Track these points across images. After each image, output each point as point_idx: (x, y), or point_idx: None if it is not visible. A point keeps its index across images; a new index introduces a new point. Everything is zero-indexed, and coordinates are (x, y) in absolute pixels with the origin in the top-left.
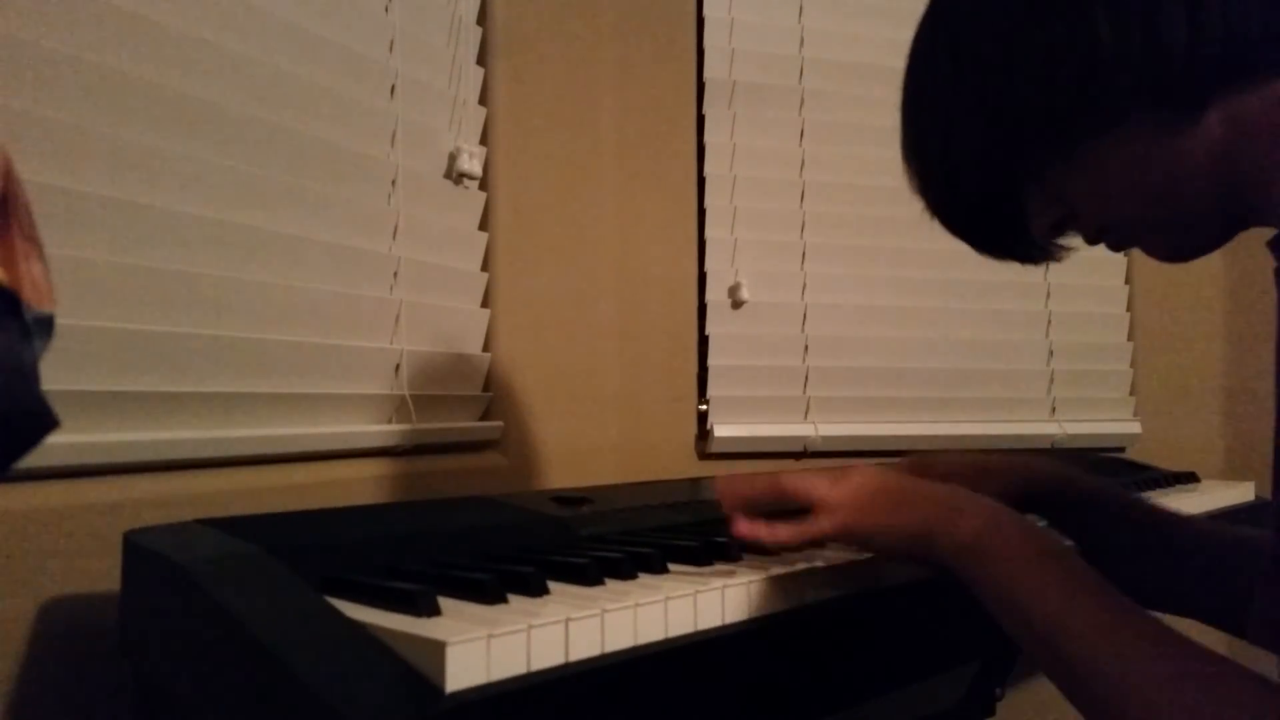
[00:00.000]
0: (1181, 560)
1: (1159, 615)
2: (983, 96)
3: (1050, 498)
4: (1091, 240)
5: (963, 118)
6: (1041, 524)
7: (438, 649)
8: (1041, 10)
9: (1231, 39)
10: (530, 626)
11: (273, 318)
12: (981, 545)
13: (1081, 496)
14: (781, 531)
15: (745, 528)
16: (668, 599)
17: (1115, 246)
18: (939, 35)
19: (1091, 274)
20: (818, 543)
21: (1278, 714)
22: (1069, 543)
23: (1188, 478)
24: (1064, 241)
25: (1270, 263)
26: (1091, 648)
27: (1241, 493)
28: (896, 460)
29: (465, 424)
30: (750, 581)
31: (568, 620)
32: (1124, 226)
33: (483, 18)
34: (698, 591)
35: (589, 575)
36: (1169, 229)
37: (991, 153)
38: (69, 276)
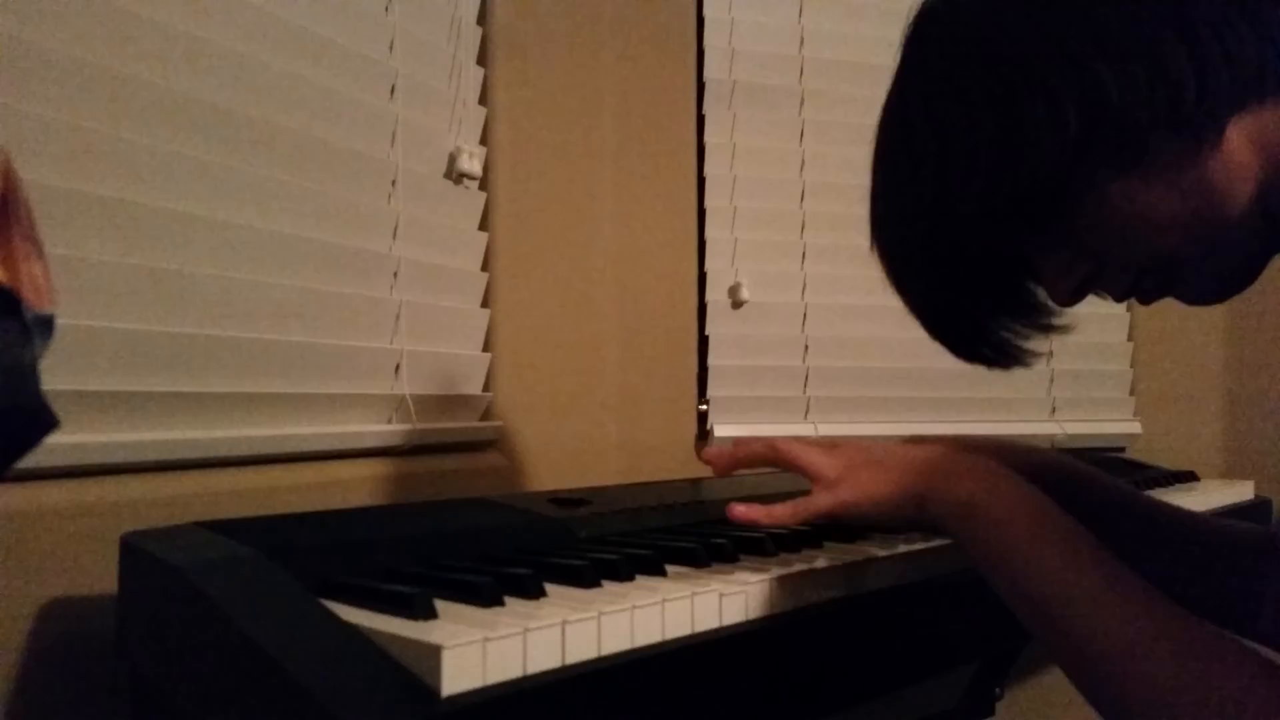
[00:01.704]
0: (1184, 558)
1: None
2: (980, 160)
3: (1049, 488)
4: (1125, 291)
5: (961, 185)
6: None
7: (433, 653)
8: (1036, 67)
9: (1233, 66)
10: (526, 630)
11: (273, 318)
12: (976, 505)
13: (1082, 488)
14: (778, 511)
15: (741, 510)
16: (665, 601)
17: (1150, 294)
18: (915, 107)
19: None
20: (820, 542)
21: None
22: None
23: (1187, 477)
24: (1035, 332)
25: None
26: (1090, 615)
27: (1241, 492)
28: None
29: (465, 424)
30: (748, 583)
31: (564, 623)
32: (1164, 264)
33: (483, 18)
34: (695, 594)
35: (586, 577)
36: (1211, 257)
37: (1000, 218)
38: (69, 276)
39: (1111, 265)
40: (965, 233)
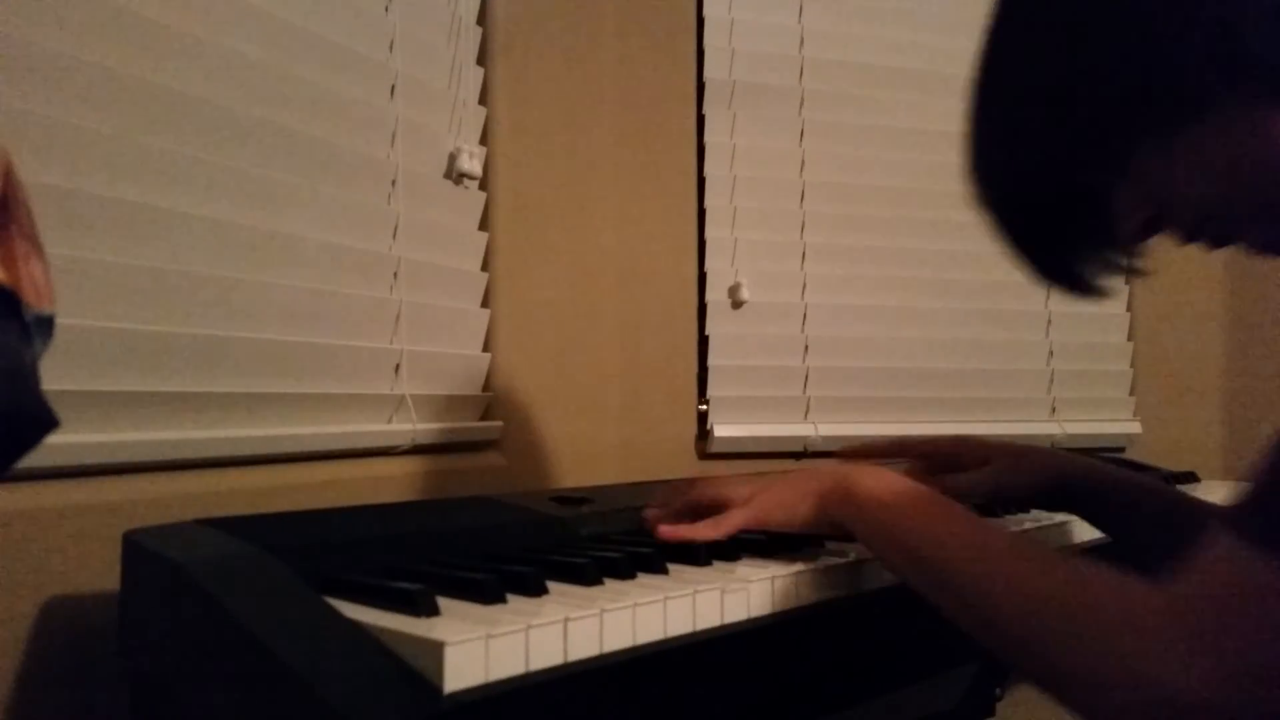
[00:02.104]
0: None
1: None
2: (1063, 97)
3: (1087, 491)
4: (1188, 236)
5: (1044, 117)
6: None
7: (436, 649)
8: (1106, 16)
9: None
10: (529, 626)
11: (273, 318)
12: (868, 496)
13: (1119, 490)
14: (701, 529)
15: (667, 530)
16: (666, 599)
17: (1214, 243)
18: (1009, 41)
19: None
20: (822, 542)
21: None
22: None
23: (1187, 477)
24: (1126, 263)
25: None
26: (974, 567)
27: (1240, 492)
28: (939, 437)
29: (465, 424)
30: (749, 582)
31: (566, 620)
32: (1225, 217)
33: (483, 18)
34: (696, 592)
35: (588, 575)
36: (1270, 212)
37: (1081, 153)
38: (69, 276)
39: (1172, 211)
40: (1042, 169)
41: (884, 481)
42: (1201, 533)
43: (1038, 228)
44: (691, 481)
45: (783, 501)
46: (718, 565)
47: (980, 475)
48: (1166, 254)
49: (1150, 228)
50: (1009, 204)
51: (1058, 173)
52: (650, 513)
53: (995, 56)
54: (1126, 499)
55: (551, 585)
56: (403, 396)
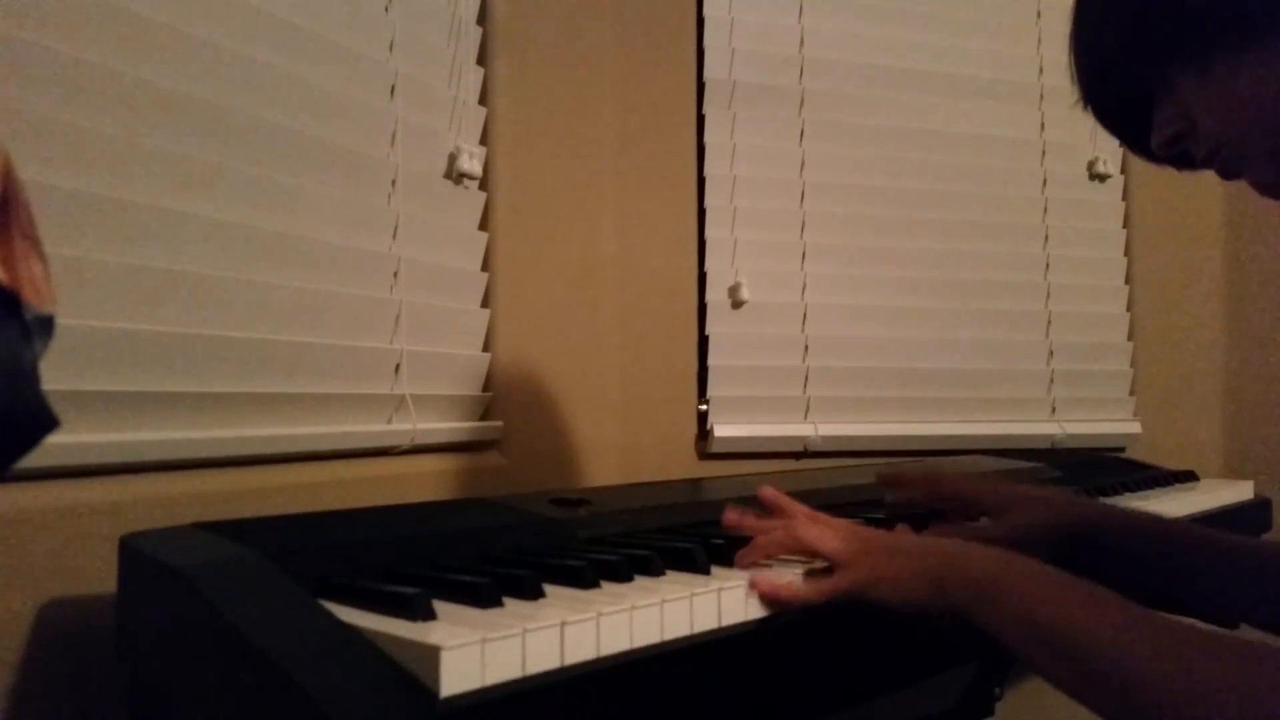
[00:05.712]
0: (1236, 575)
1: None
2: (1119, 11)
3: (1108, 543)
4: (1203, 161)
5: (1113, 17)
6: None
7: (432, 653)
8: None
9: None
10: (525, 630)
11: (273, 318)
12: (996, 579)
13: (1141, 539)
14: (799, 588)
15: (766, 586)
16: (664, 602)
17: (1225, 173)
18: None
19: (1091, 274)
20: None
21: None
22: None
23: (1187, 477)
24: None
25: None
26: (1121, 651)
27: (1240, 492)
28: (965, 477)
29: (465, 424)
30: (746, 585)
31: (563, 624)
32: (1239, 149)
33: (483, 18)
34: (694, 594)
35: (585, 578)
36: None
37: (1131, 53)
38: (69, 276)
39: (1198, 131)
40: (1110, 62)
41: (1006, 559)
42: (1227, 574)
43: (1118, 110)
44: (778, 500)
45: (892, 575)
46: (716, 568)
47: (999, 529)
48: (1167, 254)
49: (1176, 142)
50: (1093, 85)
51: (1122, 68)
52: (730, 517)
53: None
54: (1149, 548)
55: (548, 588)
56: (403, 396)
